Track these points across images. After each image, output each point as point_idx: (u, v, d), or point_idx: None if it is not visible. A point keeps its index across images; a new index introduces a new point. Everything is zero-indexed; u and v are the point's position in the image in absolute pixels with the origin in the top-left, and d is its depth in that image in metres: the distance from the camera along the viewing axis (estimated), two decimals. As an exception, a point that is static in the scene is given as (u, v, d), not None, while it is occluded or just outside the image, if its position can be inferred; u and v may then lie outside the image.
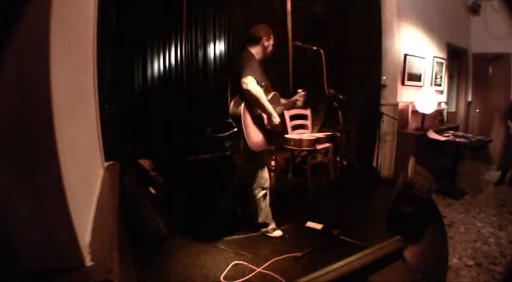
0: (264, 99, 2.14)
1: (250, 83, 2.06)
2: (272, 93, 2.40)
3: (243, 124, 2.14)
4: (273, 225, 2.51)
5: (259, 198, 2.40)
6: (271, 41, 2.36)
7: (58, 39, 0.72)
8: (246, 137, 2.14)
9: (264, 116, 2.28)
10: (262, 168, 2.38)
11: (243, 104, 2.16)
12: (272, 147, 3.05)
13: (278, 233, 2.49)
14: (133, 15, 3.25)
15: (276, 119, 2.22)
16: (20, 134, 0.67)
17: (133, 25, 3.25)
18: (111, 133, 2.05)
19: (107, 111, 2.03)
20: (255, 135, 2.21)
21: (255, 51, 2.33)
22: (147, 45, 3.43)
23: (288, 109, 2.54)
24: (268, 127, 2.31)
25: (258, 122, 2.26)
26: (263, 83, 2.28)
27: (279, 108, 2.40)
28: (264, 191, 2.42)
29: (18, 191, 0.69)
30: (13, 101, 0.66)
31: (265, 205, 2.46)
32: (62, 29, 0.76)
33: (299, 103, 2.48)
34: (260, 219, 2.46)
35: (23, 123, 0.67)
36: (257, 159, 2.34)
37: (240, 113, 2.13)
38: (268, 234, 2.47)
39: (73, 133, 0.90)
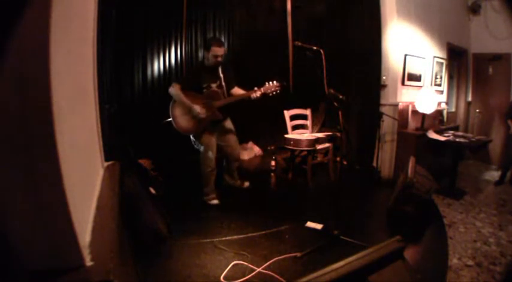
0: (179, 97, 2.76)
1: (171, 88, 2.78)
2: (210, 90, 2.86)
3: (171, 117, 2.82)
4: (213, 196, 3.03)
5: (206, 173, 2.95)
6: (211, 53, 2.75)
7: (58, 39, 0.72)
8: (175, 126, 2.82)
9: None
10: (206, 149, 2.92)
11: (171, 102, 2.84)
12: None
13: (215, 201, 3.02)
14: (134, 15, 3.25)
15: (194, 110, 2.77)
16: (20, 134, 0.67)
17: (133, 25, 3.26)
18: (111, 133, 2.05)
19: (107, 111, 2.03)
20: (183, 123, 2.83)
21: (204, 59, 2.88)
22: (147, 45, 3.43)
23: (245, 98, 2.88)
24: (199, 116, 2.80)
25: (186, 113, 2.82)
26: (204, 84, 2.83)
27: (221, 101, 2.86)
28: (209, 169, 2.95)
29: (18, 191, 0.69)
30: (13, 101, 0.66)
31: (210, 180, 3.00)
32: (62, 29, 0.76)
33: (254, 95, 2.82)
34: (204, 189, 3.01)
35: (23, 123, 0.67)
36: (202, 143, 2.92)
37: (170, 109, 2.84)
38: (209, 202, 2.99)
39: (73, 133, 0.90)
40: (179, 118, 2.83)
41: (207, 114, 2.82)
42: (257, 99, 2.83)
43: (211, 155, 2.94)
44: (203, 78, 2.84)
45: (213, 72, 2.86)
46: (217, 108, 2.85)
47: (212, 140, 2.95)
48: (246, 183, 3.39)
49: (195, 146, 2.99)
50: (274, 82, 2.82)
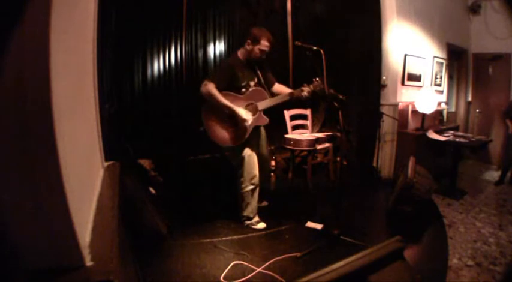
0: (217, 99, 2.26)
1: (203, 87, 2.28)
2: (251, 89, 2.43)
3: (204, 124, 2.37)
4: (256, 218, 2.58)
5: (246, 192, 2.49)
6: (258, 46, 2.35)
7: (58, 39, 0.72)
8: (209, 136, 2.37)
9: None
10: (249, 163, 2.44)
11: (203, 106, 2.36)
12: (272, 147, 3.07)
13: (262, 225, 2.56)
14: (134, 15, 3.25)
15: (239, 116, 2.29)
16: (20, 133, 0.67)
17: (133, 25, 3.25)
18: (111, 133, 2.05)
19: (106, 111, 2.03)
20: (220, 132, 2.38)
21: (240, 52, 2.45)
22: (147, 45, 3.43)
23: (292, 99, 2.46)
24: (245, 124, 2.35)
25: (224, 119, 2.37)
26: (243, 83, 2.40)
27: (265, 102, 2.42)
28: (252, 186, 2.49)
29: (18, 191, 0.69)
30: (13, 101, 0.66)
31: (252, 200, 2.53)
32: (62, 29, 0.76)
33: (304, 93, 2.38)
34: (245, 213, 2.55)
35: (23, 123, 0.67)
36: (243, 155, 2.43)
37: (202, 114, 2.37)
38: (253, 227, 2.54)
39: (73, 133, 0.90)
40: (215, 126, 2.36)
41: (253, 120, 2.36)
42: (306, 98, 2.41)
43: (255, 169, 2.47)
44: (241, 75, 2.39)
45: (250, 68, 2.45)
46: (262, 112, 2.40)
47: (254, 152, 2.48)
48: (264, 203, 2.96)
49: (231, 161, 2.51)
50: (318, 79, 2.37)
